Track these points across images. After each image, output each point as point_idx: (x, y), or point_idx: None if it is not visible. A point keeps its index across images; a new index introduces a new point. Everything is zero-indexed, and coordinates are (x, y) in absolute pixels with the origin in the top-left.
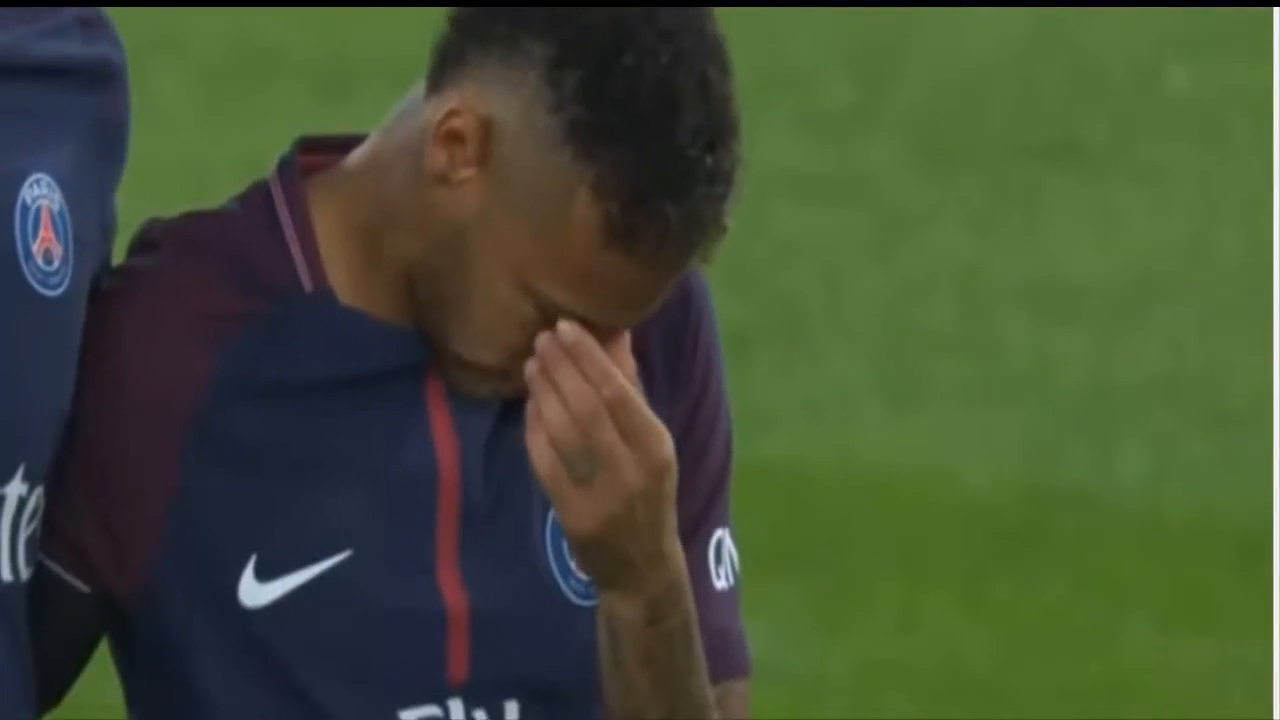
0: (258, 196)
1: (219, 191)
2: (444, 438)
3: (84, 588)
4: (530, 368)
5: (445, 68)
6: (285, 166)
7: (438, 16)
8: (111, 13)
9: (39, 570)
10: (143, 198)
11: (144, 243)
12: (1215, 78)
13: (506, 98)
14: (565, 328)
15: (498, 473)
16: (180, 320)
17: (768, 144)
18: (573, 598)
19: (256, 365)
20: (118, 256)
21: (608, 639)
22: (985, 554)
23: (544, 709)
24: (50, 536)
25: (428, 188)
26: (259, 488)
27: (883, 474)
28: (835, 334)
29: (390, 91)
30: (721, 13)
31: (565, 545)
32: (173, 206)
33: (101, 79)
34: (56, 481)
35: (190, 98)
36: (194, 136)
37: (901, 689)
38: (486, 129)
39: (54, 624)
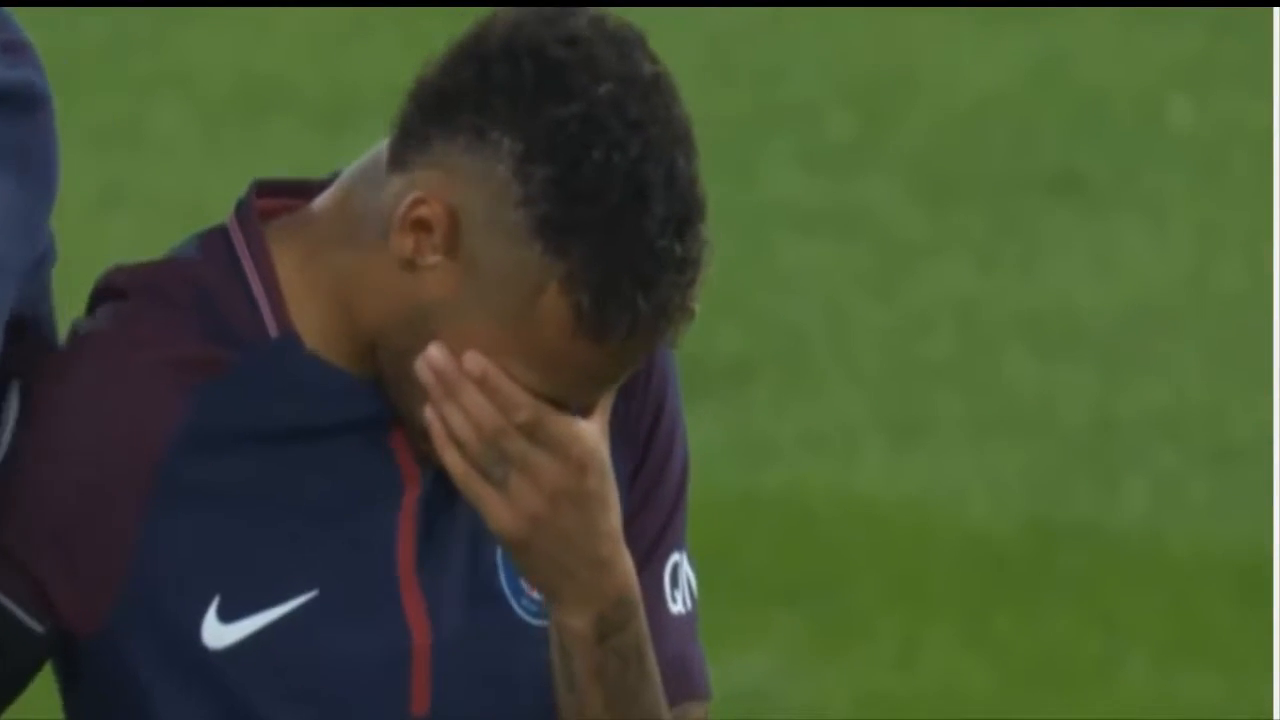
0: (217, 241)
1: None
2: (408, 475)
3: (38, 627)
4: (425, 374)
5: (408, 145)
6: (243, 210)
7: (438, 49)
8: (115, 48)
9: None
10: (144, 232)
11: (107, 290)
12: (1217, 111)
13: (474, 189)
14: (470, 361)
15: (453, 501)
16: (146, 370)
17: (769, 177)
18: (526, 617)
19: (222, 413)
20: (78, 301)
21: (559, 656)
22: (986, 587)
23: None
24: (11, 575)
25: (394, 268)
26: (222, 531)
27: (883, 506)
28: (836, 366)
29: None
30: (724, 45)
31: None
32: (173, 240)
33: (24, 105)
34: (21, 522)
35: (191, 132)
36: (194, 171)
37: None
38: (453, 219)
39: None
